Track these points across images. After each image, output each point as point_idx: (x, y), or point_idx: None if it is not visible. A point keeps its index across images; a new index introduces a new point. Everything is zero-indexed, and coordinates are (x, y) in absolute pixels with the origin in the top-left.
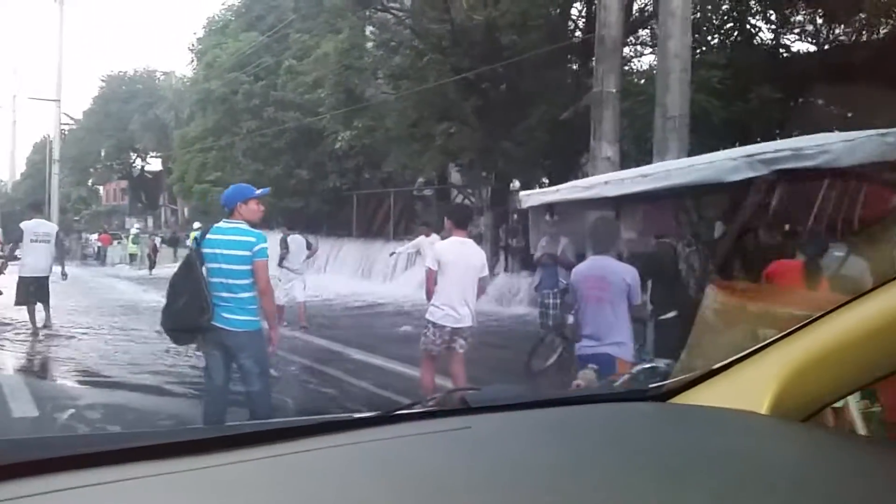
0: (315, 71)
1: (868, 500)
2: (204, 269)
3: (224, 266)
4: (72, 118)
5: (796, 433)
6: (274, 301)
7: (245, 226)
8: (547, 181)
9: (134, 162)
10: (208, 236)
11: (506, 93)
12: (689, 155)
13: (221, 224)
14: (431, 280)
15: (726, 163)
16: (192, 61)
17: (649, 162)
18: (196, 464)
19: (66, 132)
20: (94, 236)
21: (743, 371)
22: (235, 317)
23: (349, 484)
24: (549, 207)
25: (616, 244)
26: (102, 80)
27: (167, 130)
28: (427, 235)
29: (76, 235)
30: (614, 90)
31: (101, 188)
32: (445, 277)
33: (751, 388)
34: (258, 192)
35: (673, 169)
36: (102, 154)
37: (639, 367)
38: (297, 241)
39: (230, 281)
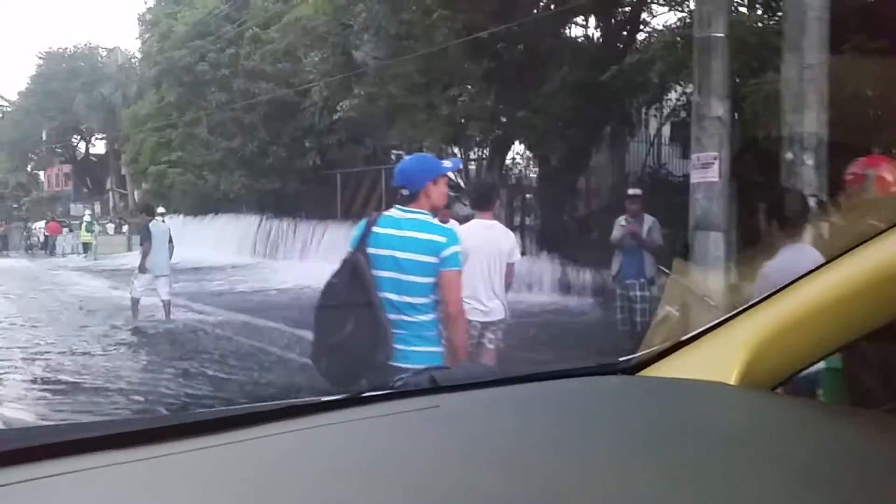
0: (286, 38)
1: (839, 467)
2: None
3: (398, 276)
4: (6, 100)
5: (764, 402)
6: (465, 329)
7: (431, 218)
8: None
9: (78, 145)
10: (377, 229)
11: (523, 54)
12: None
13: (395, 213)
14: None
15: None
16: (141, 37)
17: (773, 122)
18: (155, 452)
19: (1, 115)
20: (40, 224)
21: (711, 342)
22: (412, 348)
23: (313, 468)
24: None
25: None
26: (40, 58)
27: (114, 110)
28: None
29: (19, 224)
30: (722, 34)
31: (41, 173)
32: (469, 267)
33: (719, 358)
34: (450, 163)
35: None
36: (44, 137)
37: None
38: (160, 230)
39: (405, 298)
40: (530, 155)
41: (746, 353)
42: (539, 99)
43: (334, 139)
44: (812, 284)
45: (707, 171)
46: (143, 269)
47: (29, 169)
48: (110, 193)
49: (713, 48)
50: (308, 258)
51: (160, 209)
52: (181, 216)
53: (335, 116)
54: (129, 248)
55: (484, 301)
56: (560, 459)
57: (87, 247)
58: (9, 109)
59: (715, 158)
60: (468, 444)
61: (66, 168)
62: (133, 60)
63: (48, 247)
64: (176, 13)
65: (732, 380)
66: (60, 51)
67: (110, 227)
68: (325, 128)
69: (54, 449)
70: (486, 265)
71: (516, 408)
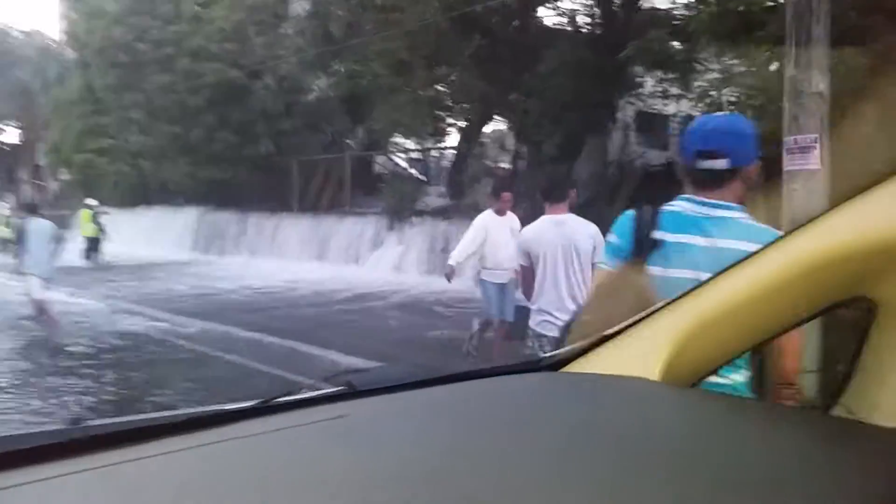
0: (235, 15)
1: (758, 465)
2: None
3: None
4: None
5: (686, 398)
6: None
7: (744, 214)
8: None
9: None
10: (666, 236)
11: (517, 31)
12: None
13: (691, 208)
14: (529, 278)
15: None
16: (65, 15)
17: None
18: (41, 473)
19: None
20: None
21: (634, 337)
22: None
23: (214, 487)
24: None
25: None
26: None
27: (32, 96)
28: (501, 212)
29: None
30: None
31: None
32: (542, 273)
33: (642, 354)
34: None
35: None
36: None
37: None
38: (40, 228)
39: None
40: (513, 141)
41: (669, 349)
42: (535, 80)
43: (289, 124)
44: (733, 279)
45: (806, 156)
46: (20, 270)
47: None
48: (24, 185)
49: (813, 12)
50: (260, 254)
51: (91, 201)
52: (110, 208)
53: (309, 97)
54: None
55: (558, 312)
56: (476, 465)
57: (5, 244)
58: None
59: (815, 141)
60: (379, 456)
61: None
62: (51, 44)
63: None
64: None
65: (656, 375)
66: None
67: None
68: (280, 112)
69: None
70: (563, 268)
71: (432, 412)
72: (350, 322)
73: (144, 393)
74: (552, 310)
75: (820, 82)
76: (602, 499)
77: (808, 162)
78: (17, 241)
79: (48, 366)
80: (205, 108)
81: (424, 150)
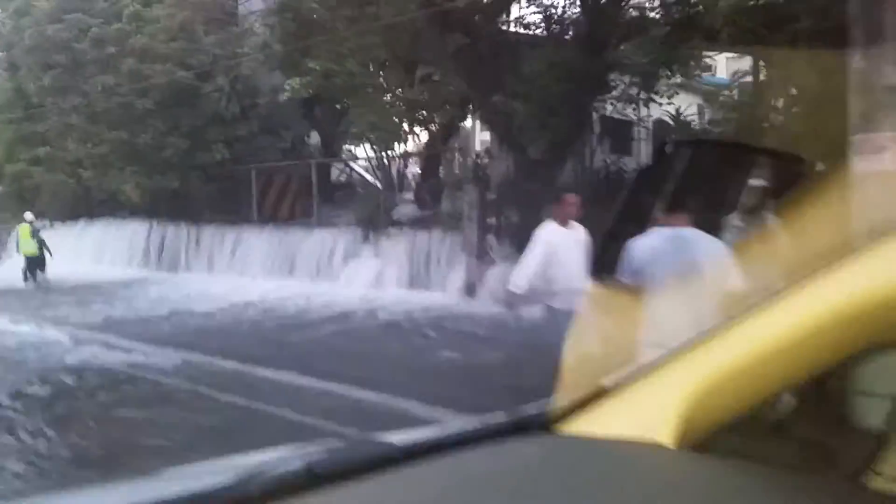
0: (179, 13)
1: None
2: None
3: None
4: None
5: (706, 467)
6: None
7: None
8: None
9: None
10: None
11: (501, 30)
12: None
13: None
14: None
15: None
16: None
17: None
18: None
19: None
20: None
21: (639, 392)
22: None
23: None
24: None
25: None
26: None
27: None
28: (565, 221)
29: None
30: None
31: None
32: (654, 298)
33: (650, 412)
34: None
35: None
36: None
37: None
38: None
39: None
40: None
41: (682, 406)
42: (521, 82)
43: (245, 129)
44: (759, 322)
45: (880, 156)
46: None
47: None
48: None
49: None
50: (219, 270)
51: (28, 215)
52: (47, 222)
53: (268, 100)
54: None
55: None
56: None
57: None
58: None
59: (893, 140)
60: None
61: None
62: None
63: None
64: None
65: (668, 438)
66: None
67: None
68: (235, 115)
69: None
70: (681, 293)
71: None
72: (344, 347)
73: (119, 449)
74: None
75: (893, 75)
76: None
77: (883, 162)
78: None
79: None
80: (153, 112)
81: (389, 158)
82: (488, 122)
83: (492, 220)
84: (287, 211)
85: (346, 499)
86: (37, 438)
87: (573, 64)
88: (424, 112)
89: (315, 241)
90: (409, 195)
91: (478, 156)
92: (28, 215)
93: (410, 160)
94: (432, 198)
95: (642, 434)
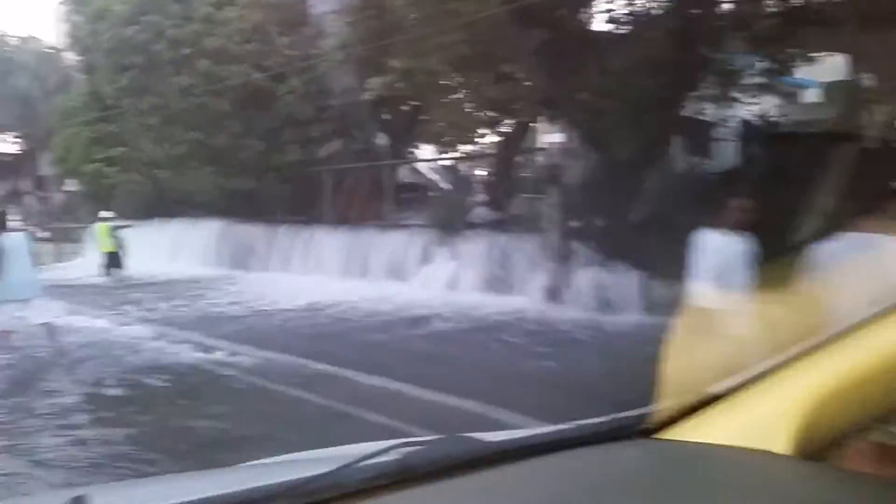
0: (253, 15)
1: None
2: None
3: None
4: None
5: (825, 477)
6: None
7: None
8: None
9: None
10: None
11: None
12: None
13: None
14: None
15: None
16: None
17: None
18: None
19: None
20: None
21: (752, 400)
22: None
23: None
24: None
25: None
26: None
27: (31, 104)
28: (733, 229)
29: None
30: None
31: None
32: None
33: (764, 420)
34: None
35: None
36: None
37: None
38: (14, 243)
39: None
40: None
41: (800, 414)
42: (610, 79)
43: (318, 131)
44: (884, 330)
45: None
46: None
47: None
48: (27, 197)
49: None
50: (292, 270)
51: (106, 213)
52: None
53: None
54: (59, 259)
55: None
56: None
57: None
58: None
59: None
60: None
61: None
62: (48, 50)
63: None
64: None
65: (782, 447)
66: None
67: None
68: (309, 117)
69: None
70: None
71: (512, 497)
72: (429, 351)
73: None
74: None
75: None
76: None
77: None
78: None
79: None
80: (229, 113)
81: (461, 158)
82: (572, 121)
83: (574, 223)
84: (359, 212)
85: (440, 494)
86: (130, 429)
87: (667, 59)
88: (503, 110)
89: (389, 242)
90: (483, 196)
91: (556, 156)
92: (104, 213)
93: (483, 161)
94: (507, 199)
95: (753, 442)
